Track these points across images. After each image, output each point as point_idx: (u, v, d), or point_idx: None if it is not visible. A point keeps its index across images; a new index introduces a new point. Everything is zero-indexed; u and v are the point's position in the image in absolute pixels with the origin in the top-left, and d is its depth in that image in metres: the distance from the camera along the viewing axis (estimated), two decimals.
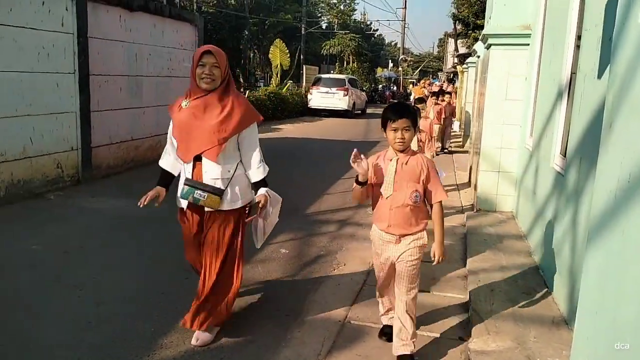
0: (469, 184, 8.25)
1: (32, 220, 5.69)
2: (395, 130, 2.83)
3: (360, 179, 2.89)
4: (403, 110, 2.87)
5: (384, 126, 2.91)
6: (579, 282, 2.17)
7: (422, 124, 7.17)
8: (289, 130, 16.63)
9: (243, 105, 3.17)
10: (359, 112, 24.32)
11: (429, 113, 10.17)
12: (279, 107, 19.92)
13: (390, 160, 2.91)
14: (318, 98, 22.12)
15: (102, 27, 7.90)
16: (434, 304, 3.89)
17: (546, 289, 3.94)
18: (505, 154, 6.25)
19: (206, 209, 3.19)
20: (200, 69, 3.05)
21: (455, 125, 12.97)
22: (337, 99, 21.86)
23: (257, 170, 3.23)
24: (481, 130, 6.54)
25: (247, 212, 3.31)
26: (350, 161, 2.78)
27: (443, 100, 12.78)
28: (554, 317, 3.47)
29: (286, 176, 8.65)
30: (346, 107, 21.97)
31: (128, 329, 3.37)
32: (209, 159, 3.10)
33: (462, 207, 6.82)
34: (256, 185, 3.25)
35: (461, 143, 13.38)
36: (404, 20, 45.88)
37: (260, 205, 3.18)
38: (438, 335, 3.41)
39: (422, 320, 3.59)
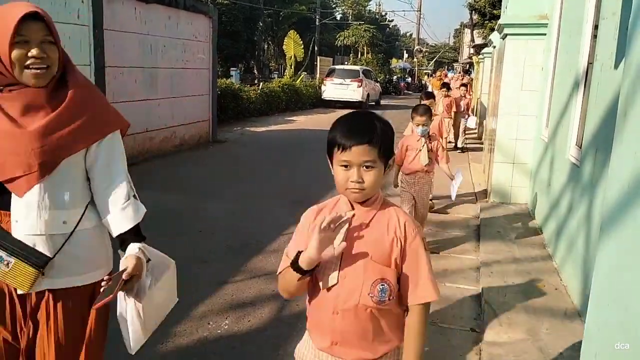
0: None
1: None
2: (348, 166, 1.49)
3: (304, 264, 1.50)
4: (364, 130, 1.49)
5: (330, 154, 1.55)
6: (593, 274, 2.16)
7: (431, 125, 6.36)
8: (303, 121, 16.63)
9: (93, 101, 1.81)
10: (373, 103, 24.20)
11: (438, 108, 8.85)
12: (292, 98, 19.93)
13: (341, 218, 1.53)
14: (332, 89, 22.05)
15: (117, 19, 7.95)
16: (447, 295, 3.88)
17: (560, 281, 3.92)
18: (520, 145, 6.19)
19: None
20: (21, 48, 1.64)
21: (471, 121, 11.74)
22: (351, 91, 21.77)
23: (121, 214, 1.82)
24: (496, 121, 6.48)
25: (102, 288, 1.70)
26: (321, 226, 1.47)
27: (448, 96, 11.05)
28: (567, 309, 3.44)
29: (299, 167, 8.66)
30: (360, 99, 21.87)
31: None
32: (18, 194, 1.68)
33: (477, 198, 6.77)
34: (122, 241, 1.82)
35: (476, 135, 13.24)
36: (420, 10, 45.51)
37: (126, 275, 1.68)
38: (450, 326, 3.41)
39: (434, 311, 3.59)
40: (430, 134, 4.70)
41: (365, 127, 1.50)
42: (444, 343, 3.19)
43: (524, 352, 2.93)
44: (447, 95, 10.95)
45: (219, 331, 3.31)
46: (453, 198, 4.91)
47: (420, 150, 4.54)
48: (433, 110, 6.27)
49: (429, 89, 20.01)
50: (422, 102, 6.28)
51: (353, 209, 1.58)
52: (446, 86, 11.40)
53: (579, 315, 3.35)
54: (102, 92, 8.13)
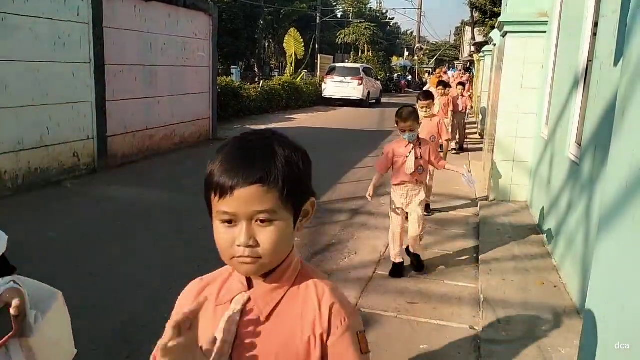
0: (483, 169, 8.14)
1: (50, 208, 5.79)
2: (231, 222, 0.96)
3: None
4: (254, 161, 0.94)
5: (209, 206, 1.00)
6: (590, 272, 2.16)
7: (427, 127, 5.74)
8: (303, 119, 16.62)
9: None
10: (374, 101, 24.19)
11: (435, 108, 7.94)
12: (293, 96, 19.92)
13: (231, 302, 1.04)
14: (332, 87, 22.03)
15: (117, 16, 7.95)
16: (445, 292, 3.88)
17: (559, 279, 3.92)
18: (520, 143, 6.18)
19: None
20: None
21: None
22: (352, 89, 21.75)
23: None
24: (496, 119, 6.48)
25: None
26: (170, 328, 0.91)
27: (446, 94, 10.28)
28: (566, 307, 3.44)
29: None
30: (360, 97, 21.86)
31: (143, 314, 3.43)
32: None
33: (476, 197, 6.77)
34: None
35: (477, 133, 13.22)
36: (420, 8, 45.47)
37: (14, 309, 1.23)
38: (448, 324, 3.41)
39: (432, 308, 3.60)
40: (420, 137, 4.21)
41: (256, 156, 0.96)
42: (442, 341, 3.19)
43: (523, 349, 2.93)
44: (445, 94, 10.27)
45: None
46: (474, 187, 4.74)
47: (407, 157, 4.01)
48: (430, 111, 5.90)
49: (427, 87, 19.09)
50: (420, 102, 5.71)
51: (250, 287, 1.03)
52: (443, 84, 10.70)
53: (577, 313, 3.35)
54: (102, 89, 8.14)
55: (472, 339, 3.20)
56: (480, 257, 4.45)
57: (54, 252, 4.49)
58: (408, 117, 3.99)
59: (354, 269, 4.36)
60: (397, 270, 4.15)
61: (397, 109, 4.22)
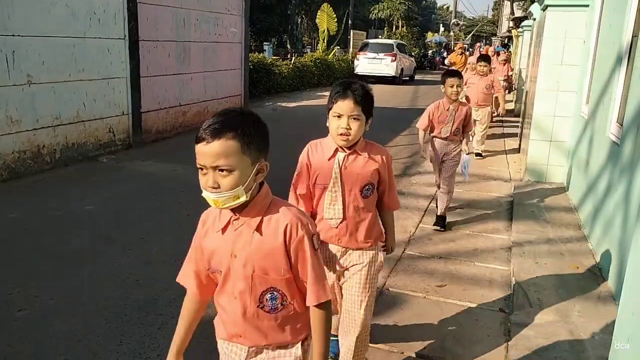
0: (518, 150, 8.03)
1: (86, 182, 5.94)
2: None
3: None
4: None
5: None
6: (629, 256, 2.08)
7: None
8: None
9: None
10: (407, 78, 23.78)
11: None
12: (324, 73, 19.73)
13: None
14: (365, 64, 21.73)
15: None
16: (476, 274, 3.83)
17: (594, 263, 3.81)
18: (558, 122, 5.98)
19: None
20: None
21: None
22: (385, 65, 21.39)
23: None
24: (534, 97, 6.27)
25: None
26: None
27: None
28: (601, 292, 3.35)
29: None
30: (393, 74, 21.49)
31: (173, 288, 3.50)
32: None
33: (510, 177, 6.62)
34: None
35: (513, 112, 12.87)
36: None
37: None
38: (478, 306, 3.37)
39: (462, 290, 3.55)
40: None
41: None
42: (472, 323, 3.16)
43: (554, 334, 2.87)
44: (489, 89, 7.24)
45: None
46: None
47: None
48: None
49: (448, 61, 15.37)
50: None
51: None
52: (485, 59, 7.54)
53: (613, 298, 3.26)
54: (137, 65, 8.20)
55: (502, 322, 3.16)
56: (513, 239, 4.36)
57: (91, 224, 4.61)
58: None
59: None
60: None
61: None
